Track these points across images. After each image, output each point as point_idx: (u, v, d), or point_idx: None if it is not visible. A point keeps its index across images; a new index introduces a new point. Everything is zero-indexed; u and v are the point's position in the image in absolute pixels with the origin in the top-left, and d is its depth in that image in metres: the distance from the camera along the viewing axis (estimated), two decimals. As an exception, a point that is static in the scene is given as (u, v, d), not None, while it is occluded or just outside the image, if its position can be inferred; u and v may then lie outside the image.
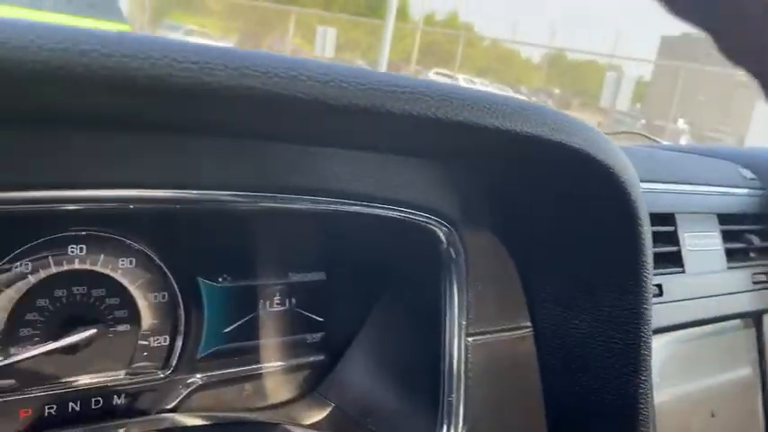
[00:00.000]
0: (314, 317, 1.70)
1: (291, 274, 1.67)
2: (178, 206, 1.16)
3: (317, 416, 1.58)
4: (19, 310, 1.27)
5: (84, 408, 1.33)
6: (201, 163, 1.10)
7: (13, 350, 1.26)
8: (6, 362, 1.24)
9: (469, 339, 1.41)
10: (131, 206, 1.13)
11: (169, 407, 1.43)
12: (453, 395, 1.42)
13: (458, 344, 1.40)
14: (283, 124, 1.08)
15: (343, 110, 0.95)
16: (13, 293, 1.26)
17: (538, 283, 1.51)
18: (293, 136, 1.17)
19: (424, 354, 1.46)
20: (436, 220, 1.36)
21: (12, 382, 1.26)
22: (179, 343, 1.45)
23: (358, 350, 1.66)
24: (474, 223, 1.41)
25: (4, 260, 1.24)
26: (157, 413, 1.40)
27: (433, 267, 1.40)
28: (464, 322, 1.40)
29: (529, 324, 1.52)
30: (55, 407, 1.30)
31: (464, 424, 1.40)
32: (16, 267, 1.27)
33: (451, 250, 1.37)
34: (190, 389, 1.45)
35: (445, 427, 1.42)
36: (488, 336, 1.44)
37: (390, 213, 1.33)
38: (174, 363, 1.43)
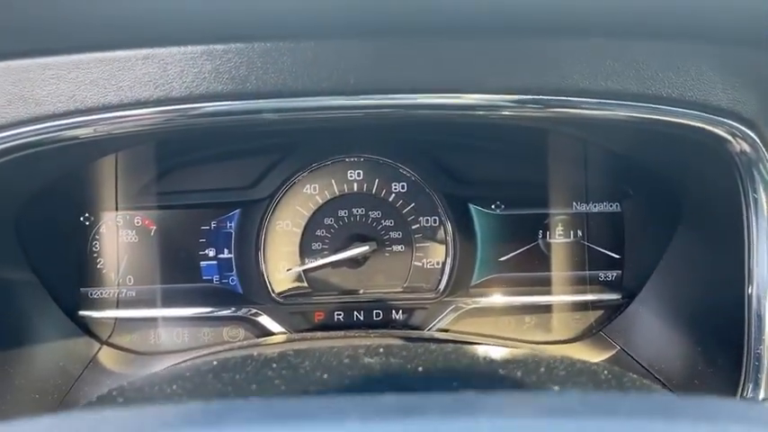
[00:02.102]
0: (608, 252, 1.53)
1: (577, 204, 1.53)
2: (456, 112, 1.07)
3: (599, 357, 1.43)
4: (310, 227, 1.45)
5: (366, 317, 1.47)
6: (476, 66, 1.02)
7: (307, 260, 1.46)
8: (302, 268, 1.45)
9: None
10: (418, 111, 1.06)
11: (442, 326, 1.47)
12: (762, 347, 1.11)
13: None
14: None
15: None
16: (305, 212, 1.46)
17: None
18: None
19: (726, 293, 1.18)
20: (731, 125, 1.07)
21: (306, 286, 1.47)
22: (450, 267, 1.47)
23: (652, 290, 1.43)
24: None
25: (293, 179, 1.43)
26: (429, 330, 1.46)
27: (730, 180, 1.11)
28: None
29: None
30: (343, 314, 1.47)
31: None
32: (306, 189, 1.46)
33: (751, 155, 1.06)
34: (460, 311, 1.46)
35: (750, 387, 1.13)
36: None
37: (684, 120, 1.09)
38: (444, 286, 1.46)
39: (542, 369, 0.72)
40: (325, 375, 0.68)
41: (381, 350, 0.78)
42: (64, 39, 0.94)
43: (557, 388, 0.65)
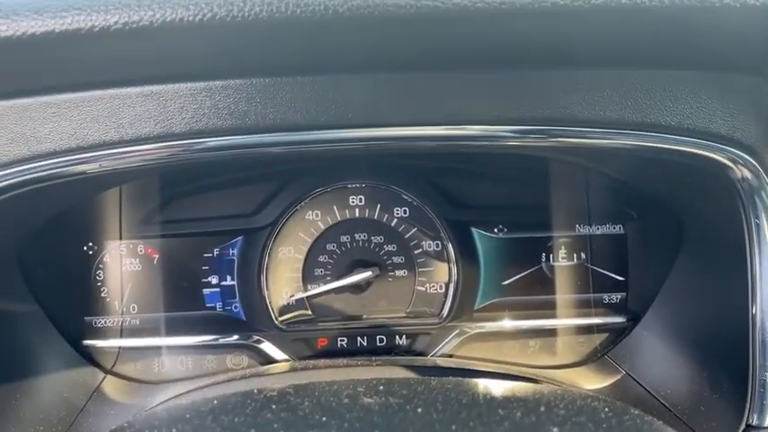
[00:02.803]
0: (612, 275, 1.53)
1: (579, 226, 1.53)
2: (457, 143, 1.07)
3: (604, 382, 1.42)
4: (312, 253, 1.45)
5: (370, 343, 1.47)
6: (475, 98, 1.02)
7: (309, 286, 1.46)
8: (305, 294, 1.45)
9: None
10: (418, 143, 1.07)
11: (446, 352, 1.47)
12: (767, 373, 1.10)
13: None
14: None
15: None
16: (307, 238, 1.46)
17: None
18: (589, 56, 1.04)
19: (730, 317, 1.17)
20: (732, 152, 1.07)
21: (309, 313, 1.47)
22: (453, 291, 1.47)
23: (657, 313, 1.43)
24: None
25: (295, 206, 1.44)
26: (433, 356, 1.46)
27: (732, 206, 1.10)
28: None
29: None
30: (346, 340, 1.47)
31: (783, 413, 1.08)
32: (308, 216, 1.46)
33: (752, 181, 1.05)
34: (464, 336, 1.46)
35: (756, 416, 1.12)
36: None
37: (684, 148, 1.09)
38: (448, 310, 1.46)
39: (542, 408, 0.72)
40: (324, 418, 0.68)
41: (381, 388, 0.78)
42: (64, 77, 0.95)
43: (556, 430, 0.65)
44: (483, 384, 0.85)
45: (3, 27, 0.77)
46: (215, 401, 0.77)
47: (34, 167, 0.99)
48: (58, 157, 0.98)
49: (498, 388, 0.82)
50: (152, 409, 0.91)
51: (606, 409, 0.74)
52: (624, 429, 0.69)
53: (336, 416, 0.68)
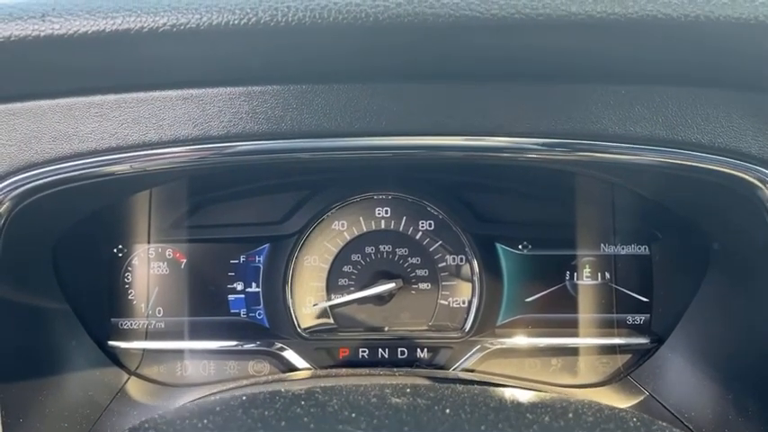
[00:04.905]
0: (636, 296, 1.52)
1: (604, 246, 1.53)
2: (487, 154, 1.08)
3: (627, 402, 1.40)
4: (337, 263, 1.47)
5: (391, 355, 1.47)
6: (504, 110, 1.03)
7: (333, 296, 1.47)
8: (329, 304, 1.46)
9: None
10: (449, 153, 1.07)
11: (468, 366, 1.46)
12: (795, 400, 1.09)
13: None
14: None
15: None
16: (333, 248, 1.48)
17: None
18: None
19: (756, 339, 1.16)
20: (762, 172, 1.06)
21: (332, 322, 1.48)
22: (476, 307, 1.47)
23: (682, 335, 1.41)
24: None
25: (322, 215, 1.45)
26: (454, 370, 1.45)
27: (760, 226, 1.09)
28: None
29: None
30: (367, 351, 1.47)
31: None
32: (334, 226, 1.48)
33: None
34: (486, 352, 1.45)
35: (782, 438, 1.10)
36: None
37: (713, 166, 1.08)
38: (470, 325, 1.46)
39: (570, 414, 0.72)
40: (353, 414, 0.69)
41: (408, 390, 0.79)
42: (109, 79, 0.99)
43: (585, 435, 0.65)
44: (510, 391, 0.85)
45: (56, 25, 0.80)
46: (244, 397, 0.78)
47: (74, 165, 1.02)
48: (98, 156, 1.01)
49: (525, 395, 0.82)
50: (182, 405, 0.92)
51: (635, 419, 0.73)
52: (654, 438, 0.68)
53: (365, 413, 0.69)
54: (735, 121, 1.03)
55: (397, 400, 0.73)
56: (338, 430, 0.63)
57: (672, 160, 1.06)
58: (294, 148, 1.03)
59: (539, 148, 1.05)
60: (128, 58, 0.90)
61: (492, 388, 0.88)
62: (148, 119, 1.00)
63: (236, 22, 0.81)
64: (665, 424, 0.75)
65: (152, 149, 1.01)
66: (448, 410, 0.70)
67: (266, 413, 0.70)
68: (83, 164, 1.02)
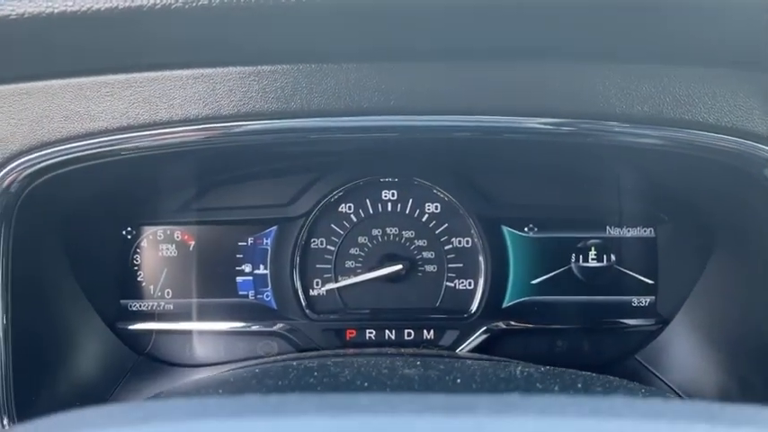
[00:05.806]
0: (641, 278, 1.52)
1: (610, 228, 1.54)
2: (495, 135, 1.10)
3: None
4: (344, 245, 1.48)
5: (398, 336, 1.49)
6: (512, 90, 1.03)
7: (340, 278, 1.48)
8: (336, 286, 1.47)
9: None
10: (456, 133, 1.09)
11: (472, 347, 1.48)
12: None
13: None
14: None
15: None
16: (340, 230, 1.48)
17: None
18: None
19: (761, 320, 1.17)
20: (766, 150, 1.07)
21: (339, 304, 1.49)
22: (483, 289, 1.48)
23: (687, 317, 1.42)
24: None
25: (329, 197, 1.46)
26: (460, 351, 1.46)
27: (766, 206, 1.10)
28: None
29: None
30: (374, 332, 1.48)
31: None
32: (341, 208, 1.48)
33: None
34: (491, 333, 1.47)
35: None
36: None
37: (720, 145, 1.09)
38: (476, 307, 1.47)
39: (579, 385, 0.73)
40: (366, 384, 0.70)
41: (419, 363, 0.80)
42: (119, 58, 0.99)
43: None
44: (519, 365, 0.86)
45: (69, 2, 0.81)
46: (257, 370, 0.80)
47: (87, 144, 1.03)
48: (109, 135, 1.02)
49: (534, 368, 0.84)
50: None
51: (643, 390, 0.74)
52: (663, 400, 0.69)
53: (378, 383, 0.70)
54: (741, 101, 1.04)
55: (409, 371, 0.74)
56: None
57: (678, 140, 1.06)
58: (303, 127, 1.03)
59: (546, 127, 1.06)
60: (139, 37, 0.91)
61: (501, 363, 0.89)
62: (159, 98, 1.01)
63: (248, -1, 0.81)
64: (671, 395, 0.76)
65: (162, 128, 1.02)
66: (459, 380, 0.71)
67: (280, 383, 0.71)
68: (94, 143, 1.03)
